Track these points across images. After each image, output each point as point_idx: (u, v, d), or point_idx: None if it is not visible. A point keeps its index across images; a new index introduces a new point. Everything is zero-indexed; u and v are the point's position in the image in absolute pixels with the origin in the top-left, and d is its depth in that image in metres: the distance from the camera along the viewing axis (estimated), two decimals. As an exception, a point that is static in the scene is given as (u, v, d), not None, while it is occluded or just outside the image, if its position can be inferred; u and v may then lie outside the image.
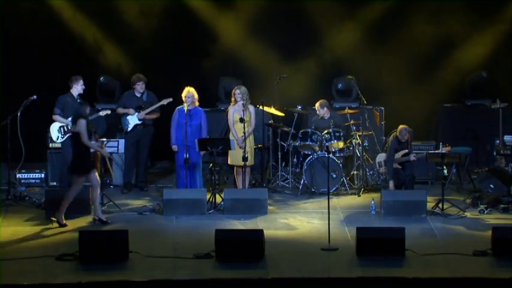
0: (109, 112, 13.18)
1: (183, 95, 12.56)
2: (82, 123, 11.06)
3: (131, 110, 13.37)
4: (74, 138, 11.31)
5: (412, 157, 12.56)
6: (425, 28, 15.44)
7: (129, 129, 13.40)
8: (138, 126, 13.40)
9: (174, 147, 12.60)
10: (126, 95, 13.62)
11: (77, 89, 12.83)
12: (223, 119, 13.47)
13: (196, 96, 12.62)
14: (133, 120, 13.39)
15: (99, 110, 13.30)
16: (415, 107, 15.32)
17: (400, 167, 12.65)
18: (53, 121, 12.90)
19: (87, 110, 11.31)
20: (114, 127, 13.99)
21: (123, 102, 13.54)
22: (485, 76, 15.23)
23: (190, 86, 12.71)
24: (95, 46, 15.48)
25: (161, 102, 13.26)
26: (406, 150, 12.64)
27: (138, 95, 13.45)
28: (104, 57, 15.49)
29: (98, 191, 11.28)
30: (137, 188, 13.62)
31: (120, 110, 13.50)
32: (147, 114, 13.35)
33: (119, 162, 13.77)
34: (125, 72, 15.06)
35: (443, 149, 12.22)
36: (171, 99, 13.15)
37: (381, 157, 13.08)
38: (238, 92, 12.76)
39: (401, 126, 12.67)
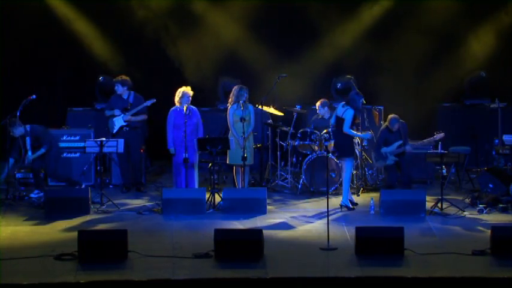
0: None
1: (183, 94, 12.51)
2: (350, 112, 12.05)
3: (117, 111, 13.31)
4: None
5: (408, 148, 12.58)
6: (424, 28, 15.45)
7: (114, 131, 13.34)
8: (124, 128, 13.35)
9: (172, 150, 12.56)
10: (113, 97, 13.57)
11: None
12: (222, 119, 13.45)
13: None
14: (118, 122, 13.34)
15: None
16: (414, 106, 15.33)
17: (397, 158, 12.63)
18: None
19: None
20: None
21: (110, 104, 13.50)
22: (484, 76, 15.24)
23: (189, 85, 12.72)
24: (94, 46, 15.46)
25: (145, 104, 13.22)
26: (401, 141, 12.64)
27: (125, 97, 13.43)
28: (103, 57, 15.47)
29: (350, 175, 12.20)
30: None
31: (107, 113, 13.47)
32: (132, 115, 13.32)
33: (118, 162, 13.75)
34: (123, 72, 15.04)
35: (437, 136, 12.37)
36: (154, 100, 13.12)
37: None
38: (240, 92, 12.73)
39: (390, 116, 12.73)
